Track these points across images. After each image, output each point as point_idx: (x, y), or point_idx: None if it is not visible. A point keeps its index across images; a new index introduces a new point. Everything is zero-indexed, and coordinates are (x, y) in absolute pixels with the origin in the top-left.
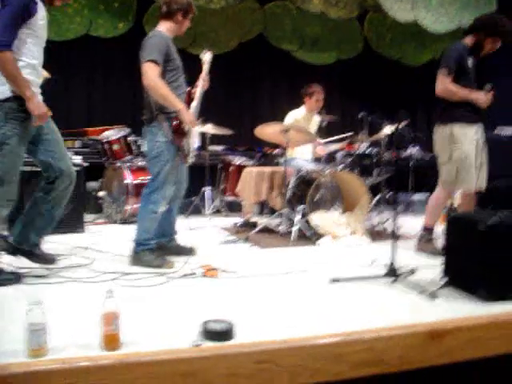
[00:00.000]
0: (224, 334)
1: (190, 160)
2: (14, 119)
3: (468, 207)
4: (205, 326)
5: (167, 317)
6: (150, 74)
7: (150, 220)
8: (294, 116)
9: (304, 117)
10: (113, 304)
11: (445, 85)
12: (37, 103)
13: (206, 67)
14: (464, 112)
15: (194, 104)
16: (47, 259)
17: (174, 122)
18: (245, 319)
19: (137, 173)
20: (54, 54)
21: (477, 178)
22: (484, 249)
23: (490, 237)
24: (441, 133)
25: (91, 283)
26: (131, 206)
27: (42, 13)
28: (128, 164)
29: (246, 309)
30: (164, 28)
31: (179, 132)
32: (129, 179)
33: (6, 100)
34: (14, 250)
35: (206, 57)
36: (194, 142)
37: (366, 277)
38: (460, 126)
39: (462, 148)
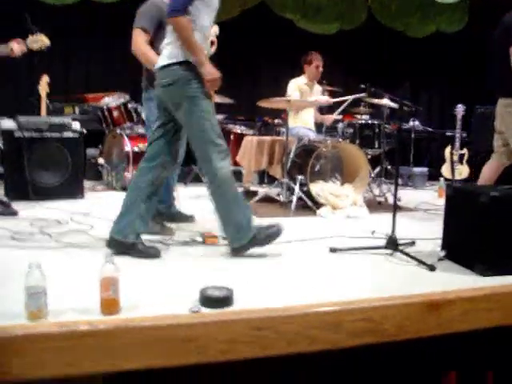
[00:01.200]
0: (223, 301)
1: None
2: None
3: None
4: (203, 292)
5: (166, 283)
6: (136, 40)
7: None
8: (296, 83)
9: (306, 84)
10: (111, 269)
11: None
12: (209, 69)
13: (211, 34)
14: None
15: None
16: None
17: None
18: (244, 286)
19: (136, 140)
20: (52, 18)
21: None
22: (484, 222)
23: (491, 209)
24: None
25: (91, 249)
26: (131, 174)
27: None
28: (128, 131)
29: (245, 276)
30: None
31: None
32: (128, 146)
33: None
34: None
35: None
36: None
37: (365, 247)
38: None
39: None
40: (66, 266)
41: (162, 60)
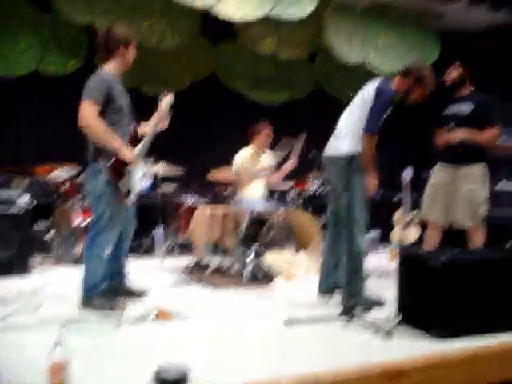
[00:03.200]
0: (178, 382)
1: (130, 200)
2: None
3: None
4: (158, 373)
5: (119, 364)
6: (86, 113)
7: (97, 263)
8: (241, 157)
9: (252, 155)
10: (61, 354)
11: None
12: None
13: (163, 108)
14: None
15: (142, 143)
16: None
17: (111, 161)
18: (200, 364)
19: (86, 213)
20: (2, 90)
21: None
22: (437, 286)
23: (443, 273)
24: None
25: (39, 330)
26: (81, 247)
27: None
28: (78, 204)
29: (200, 353)
30: (110, 66)
31: (116, 171)
32: (78, 220)
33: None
34: None
35: (165, 99)
36: (138, 181)
37: (320, 317)
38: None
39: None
40: (11, 350)
41: None
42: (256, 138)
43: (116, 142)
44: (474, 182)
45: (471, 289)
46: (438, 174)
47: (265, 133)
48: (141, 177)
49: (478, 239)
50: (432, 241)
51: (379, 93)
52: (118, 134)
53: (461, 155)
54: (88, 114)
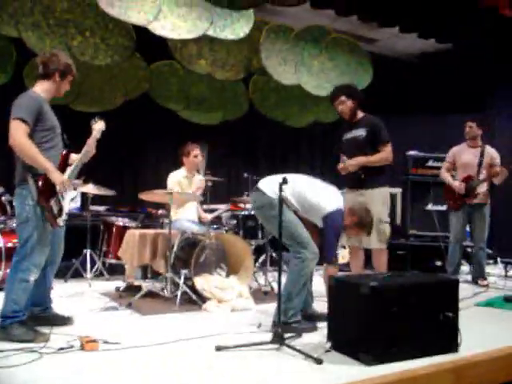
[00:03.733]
0: None
1: (61, 223)
2: None
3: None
4: None
5: None
6: (16, 132)
7: (21, 290)
8: (176, 177)
9: (186, 177)
10: None
11: None
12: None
13: (94, 134)
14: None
15: (73, 167)
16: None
17: (40, 182)
18: None
19: (9, 235)
20: None
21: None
22: (366, 312)
23: (372, 299)
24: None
25: None
26: (3, 272)
27: None
28: (1, 226)
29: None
30: (40, 88)
31: (46, 192)
32: (0, 242)
33: None
34: None
35: (97, 125)
36: (68, 203)
37: (251, 343)
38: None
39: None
40: None
41: None
42: (185, 160)
43: (46, 163)
44: (377, 204)
45: (400, 314)
46: (346, 198)
47: (193, 154)
48: (71, 199)
49: (384, 260)
50: (358, 264)
51: (332, 222)
52: (49, 155)
53: (363, 181)
54: (19, 132)
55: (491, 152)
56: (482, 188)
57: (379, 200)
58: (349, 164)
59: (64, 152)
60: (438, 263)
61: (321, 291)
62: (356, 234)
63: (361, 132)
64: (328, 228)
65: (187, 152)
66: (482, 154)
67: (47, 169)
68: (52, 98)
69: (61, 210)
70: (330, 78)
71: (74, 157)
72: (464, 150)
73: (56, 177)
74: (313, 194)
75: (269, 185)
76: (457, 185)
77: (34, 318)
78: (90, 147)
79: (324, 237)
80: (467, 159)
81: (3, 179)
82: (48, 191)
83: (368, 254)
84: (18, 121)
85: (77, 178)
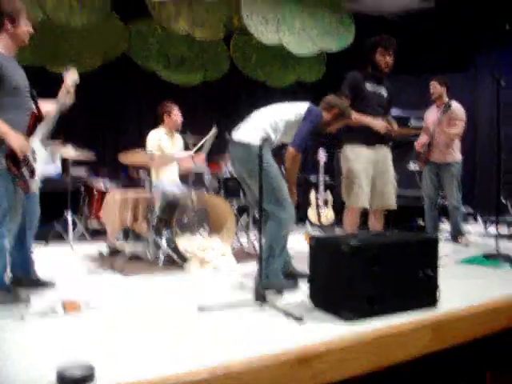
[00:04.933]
0: (83, 380)
1: (34, 186)
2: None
3: (376, 225)
4: (61, 372)
5: (21, 362)
6: None
7: None
8: (156, 136)
9: (166, 134)
10: None
11: None
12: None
13: (67, 83)
14: (357, 134)
15: (45, 122)
16: None
17: (7, 148)
18: (108, 359)
19: None
20: None
21: (381, 196)
22: (347, 270)
23: (352, 258)
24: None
25: None
26: None
27: None
28: None
29: (109, 347)
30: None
31: (14, 158)
32: None
33: None
34: None
35: (69, 74)
36: (41, 165)
37: (234, 303)
38: (351, 147)
39: (351, 166)
40: None
41: None
42: (166, 119)
43: (2, 126)
44: (391, 163)
45: (380, 272)
46: (361, 156)
47: (174, 113)
48: (44, 161)
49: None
50: (354, 224)
51: (310, 114)
52: (13, 117)
53: (382, 137)
54: None
55: (454, 107)
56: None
57: (391, 159)
58: (398, 130)
59: (35, 110)
60: (421, 223)
61: (300, 249)
62: (339, 126)
63: (383, 91)
64: (305, 120)
65: (168, 112)
66: (443, 112)
67: (4, 133)
68: (18, 46)
69: (32, 172)
70: (311, 36)
71: (45, 110)
72: (432, 110)
73: (13, 140)
74: (286, 109)
75: (245, 133)
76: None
77: (17, 282)
78: (62, 99)
79: (298, 128)
80: (432, 119)
81: None
82: (16, 157)
83: None
84: None
85: (53, 138)
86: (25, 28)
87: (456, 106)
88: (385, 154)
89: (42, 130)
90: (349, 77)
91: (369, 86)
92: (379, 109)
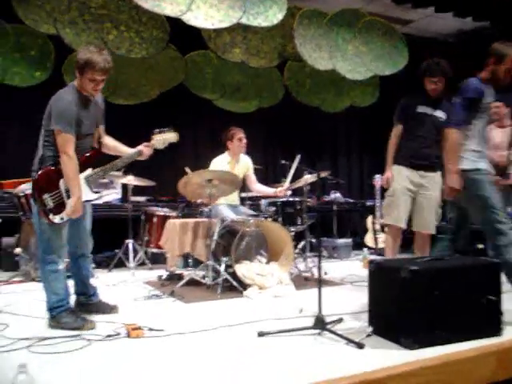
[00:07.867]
0: None
1: (57, 220)
2: None
3: (422, 249)
4: None
5: None
6: (63, 144)
7: (53, 281)
8: (220, 162)
9: (229, 162)
10: (25, 380)
11: None
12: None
13: (160, 143)
14: (404, 155)
15: (97, 170)
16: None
17: (37, 175)
18: (174, 381)
19: None
20: None
21: (420, 220)
22: (406, 295)
23: (412, 283)
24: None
25: (3, 352)
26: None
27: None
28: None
29: (174, 370)
30: (76, 82)
31: (41, 187)
32: None
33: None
34: None
35: (170, 136)
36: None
37: (293, 329)
38: (396, 167)
39: (392, 185)
40: None
41: None
42: (230, 144)
43: (76, 188)
44: (437, 188)
45: (441, 297)
46: (402, 176)
47: (237, 138)
48: (93, 199)
49: (429, 244)
50: (393, 244)
51: (461, 90)
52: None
53: (432, 163)
54: (68, 145)
55: None
56: None
57: (439, 183)
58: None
59: (89, 153)
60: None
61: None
62: None
63: (439, 114)
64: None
65: (231, 136)
66: None
67: (74, 193)
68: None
69: (59, 206)
70: (364, 61)
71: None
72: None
73: (74, 201)
74: None
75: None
76: None
77: (82, 306)
78: (146, 151)
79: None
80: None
81: None
82: (45, 186)
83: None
84: (58, 132)
85: (117, 170)
86: (87, 83)
87: None
88: (433, 179)
89: (93, 172)
90: (400, 102)
91: (421, 108)
92: (434, 131)
